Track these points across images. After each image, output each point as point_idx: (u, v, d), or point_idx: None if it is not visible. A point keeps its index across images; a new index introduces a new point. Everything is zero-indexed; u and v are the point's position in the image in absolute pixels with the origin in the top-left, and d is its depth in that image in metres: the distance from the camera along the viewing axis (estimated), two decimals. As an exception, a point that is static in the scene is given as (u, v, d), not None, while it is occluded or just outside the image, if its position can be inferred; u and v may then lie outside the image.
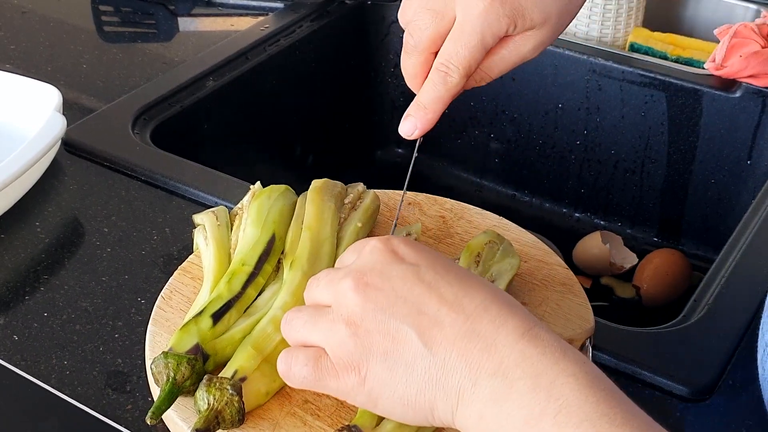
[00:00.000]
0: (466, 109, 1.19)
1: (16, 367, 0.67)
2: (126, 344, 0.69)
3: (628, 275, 1.07)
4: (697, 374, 0.67)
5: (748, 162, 1.04)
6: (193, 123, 1.00)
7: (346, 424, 0.56)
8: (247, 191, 0.75)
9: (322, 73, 1.17)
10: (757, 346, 0.61)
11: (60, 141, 0.84)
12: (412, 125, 0.64)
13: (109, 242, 0.79)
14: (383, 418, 0.57)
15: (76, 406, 0.64)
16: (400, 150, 1.27)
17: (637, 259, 1.08)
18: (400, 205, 0.73)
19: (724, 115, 1.03)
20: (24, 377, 0.66)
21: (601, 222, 1.16)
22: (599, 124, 1.11)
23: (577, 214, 1.17)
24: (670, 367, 0.67)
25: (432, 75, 0.63)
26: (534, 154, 1.17)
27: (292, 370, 0.54)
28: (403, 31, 0.65)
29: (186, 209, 0.83)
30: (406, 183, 0.69)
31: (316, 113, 1.18)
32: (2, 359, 0.67)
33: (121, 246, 0.79)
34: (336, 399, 0.61)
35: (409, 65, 0.64)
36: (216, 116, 1.03)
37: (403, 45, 0.64)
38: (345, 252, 0.58)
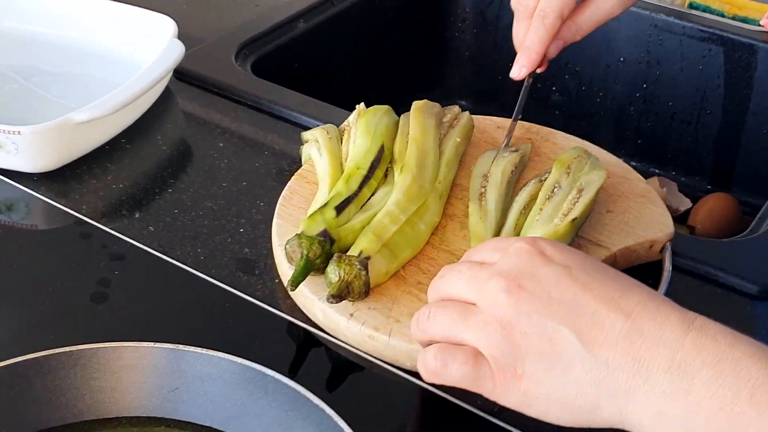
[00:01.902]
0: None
1: (155, 251, 0.75)
2: (250, 237, 0.78)
3: (682, 218, 1.15)
4: (765, 275, 0.74)
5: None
6: (286, 60, 1.08)
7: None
8: (344, 117, 0.83)
9: (397, 25, 1.25)
10: None
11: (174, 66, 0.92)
12: (519, 66, 0.79)
13: (224, 155, 0.88)
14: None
15: (213, 284, 0.72)
16: (462, 102, 1.35)
17: (691, 203, 1.15)
18: (512, 126, 0.82)
19: (778, 68, 1.11)
20: (163, 258, 0.75)
21: (656, 170, 1.23)
22: (658, 78, 1.19)
23: (633, 163, 1.24)
24: (741, 269, 0.75)
25: (533, 21, 0.77)
26: (594, 106, 1.25)
27: (450, 367, 0.53)
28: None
29: (290, 130, 0.91)
30: (515, 112, 0.82)
31: (389, 62, 1.26)
32: (142, 244, 0.76)
33: (236, 158, 0.87)
34: (446, 281, 0.70)
35: (519, 31, 0.78)
36: (304, 56, 1.11)
37: (515, 15, 0.78)
38: (481, 247, 0.58)
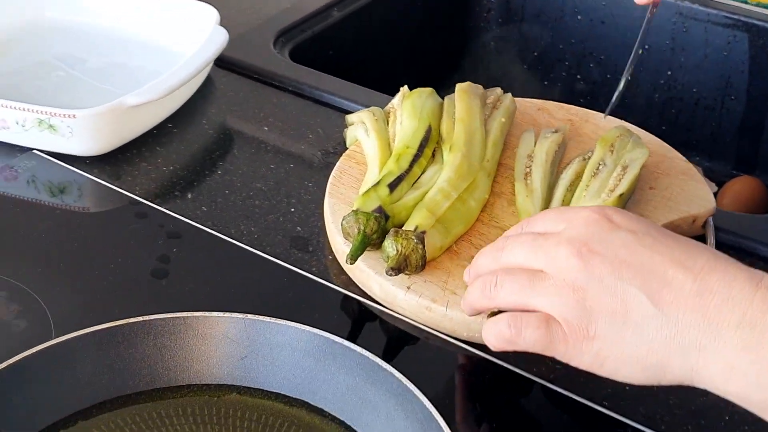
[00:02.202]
0: (554, 51, 1.29)
1: (211, 230, 0.77)
2: (302, 216, 0.80)
3: (707, 201, 1.17)
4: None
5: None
6: (321, 48, 1.10)
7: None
8: (383, 100, 0.85)
9: (425, 15, 1.28)
10: None
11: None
12: None
13: (270, 138, 0.90)
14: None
15: (269, 260, 0.74)
16: (487, 92, 1.37)
17: (716, 187, 1.17)
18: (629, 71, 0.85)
19: (802, 54, 1.13)
20: (219, 237, 0.77)
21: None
22: (683, 64, 1.21)
23: (657, 149, 1.27)
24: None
25: None
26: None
27: (524, 333, 0.54)
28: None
29: (332, 115, 0.93)
30: (633, 53, 0.84)
31: (417, 51, 1.29)
32: (197, 223, 0.78)
33: (281, 141, 0.89)
34: (498, 255, 0.72)
35: None
36: (338, 44, 1.13)
37: None
38: (542, 217, 0.59)
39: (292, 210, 0.80)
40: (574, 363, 0.54)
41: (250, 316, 0.63)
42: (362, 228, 0.70)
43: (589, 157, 0.78)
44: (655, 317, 0.51)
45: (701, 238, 0.76)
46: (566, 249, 0.54)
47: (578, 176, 0.77)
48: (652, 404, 0.63)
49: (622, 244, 0.53)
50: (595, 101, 1.29)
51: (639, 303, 0.51)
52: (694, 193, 0.78)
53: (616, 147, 0.78)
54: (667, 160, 0.81)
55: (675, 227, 0.75)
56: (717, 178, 1.22)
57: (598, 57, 1.27)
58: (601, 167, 0.76)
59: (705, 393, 0.64)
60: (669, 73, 1.22)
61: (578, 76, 1.29)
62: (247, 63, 0.99)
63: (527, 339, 0.54)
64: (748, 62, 1.16)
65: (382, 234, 0.71)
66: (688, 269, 0.51)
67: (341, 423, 0.61)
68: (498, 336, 0.56)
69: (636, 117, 1.26)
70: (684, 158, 0.82)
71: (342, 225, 0.72)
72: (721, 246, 0.76)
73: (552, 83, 1.30)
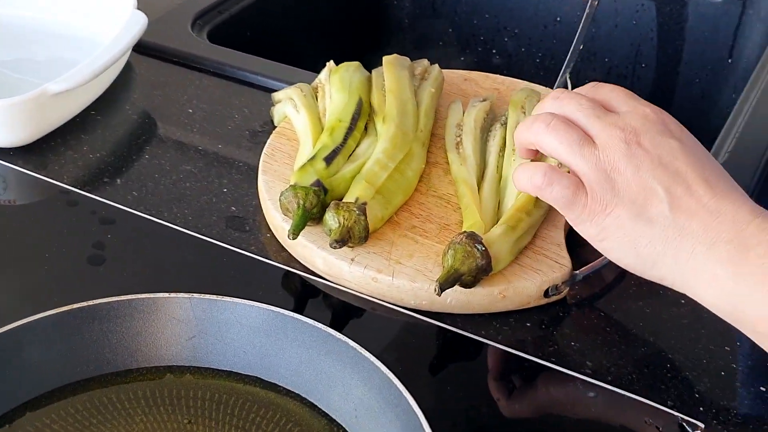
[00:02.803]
0: (469, 26, 1.31)
1: (144, 214, 0.76)
2: (235, 196, 0.79)
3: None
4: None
5: (729, 61, 1.17)
6: (240, 29, 1.09)
7: (463, 231, 0.67)
8: (307, 77, 0.85)
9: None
10: None
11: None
12: None
13: (196, 120, 0.88)
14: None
15: (206, 241, 0.74)
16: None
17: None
18: (572, 55, 0.86)
19: (707, 18, 1.16)
20: (153, 220, 0.75)
21: (595, 125, 1.28)
22: (594, 35, 1.23)
23: (573, 118, 1.29)
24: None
25: None
26: (534, 67, 1.29)
27: (554, 187, 0.60)
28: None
29: (256, 94, 0.93)
30: (573, 46, 0.86)
31: (335, 28, 1.28)
32: (129, 208, 0.76)
33: (207, 123, 0.88)
34: (438, 223, 0.72)
35: None
36: (256, 25, 1.12)
37: None
38: (613, 89, 0.62)
39: (225, 190, 0.80)
40: (579, 229, 0.60)
41: (195, 295, 0.62)
42: (302, 202, 0.70)
43: (505, 122, 0.79)
44: (666, 218, 0.57)
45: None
46: (621, 133, 0.59)
47: (505, 141, 0.78)
48: (598, 357, 0.65)
49: (667, 149, 0.58)
50: (511, 75, 1.30)
51: (659, 202, 0.57)
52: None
53: (526, 107, 0.80)
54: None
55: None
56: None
57: (512, 31, 1.28)
58: (521, 129, 0.78)
59: (646, 344, 0.66)
60: (581, 46, 1.25)
61: (494, 51, 1.31)
62: (166, 47, 0.98)
63: (554, 192, 0.60)
64: (657, 30, 1.20)
65: (322, 208, 0.71)
66: (711, 188, 0.57)
67: (297, 396, 0.60)
68: (531, 179, 0.61)
69: (551, 87, 1.29)
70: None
71: (280, 201, 0.71)
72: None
73: (468, 58, 1.32)
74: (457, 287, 0.65)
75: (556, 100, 0.62)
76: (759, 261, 0.54)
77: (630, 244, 0.58)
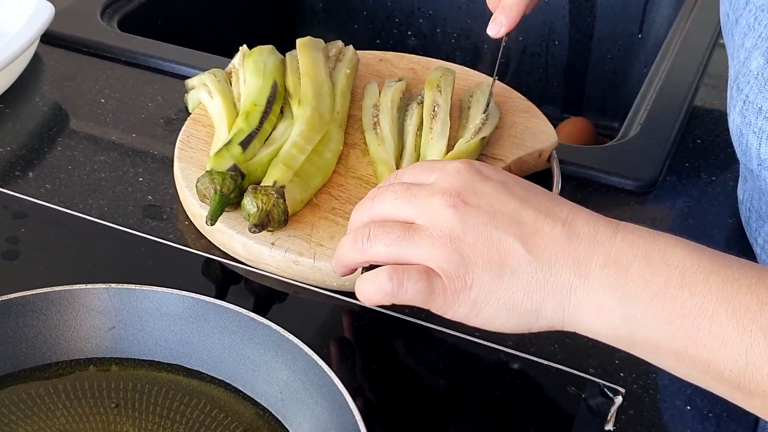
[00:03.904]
0: (384, 9, 1.30)
1: (58, 206, 0.74)
2: (151, 185, 0.78)
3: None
4: (640, 172, 0.81)
5: (639, 36, 1.20)
6: (150, 17, 1.07)
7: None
8: (220, 63, 0.84)
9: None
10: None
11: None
12: (497, 25, 0.77)
13: (109, 110, 0.87)
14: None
15: (123, 231, 0.72)
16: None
17: (549, 130, 1.22)
18: (493, 85, 0.81)
19: (617, -5, 1.18)
20: (68, 213, 0.74)
21: (512, 103, 1.30)
22: (507, 13, 1.24)
23: (490, 98, 1.30)
24: (619, 169, 0.81)
25: None
26: (450, 48, 1.29)
27: (406, 286, 0.53)
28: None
29: (170, 82, 0.91)
30: (496, 69, 0.81)
31: (248, 13, 1.27)
32: (43, 201, 0.75)
33: (120, 112, 0.87)
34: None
35: None
36: (167, 12, 1.10)
37: None
38: (412, 169, 0.59)
39: (140, 180, 0.78)
40: (449, 314, 0.54)
41: (113, 285, 0.61)
42: (219, 188, 0.69)
43: (422, 101, 0.80)
44: (530, 263, 0.52)
45: (548, 171, 0.79)
46: (440, 199, 0.54)
47: (422, 120, 0.78)
48: (521, 330, 0.65)
49: (495, 195, 0.54)
50: (428, 56, 1.31)
51: (514, 250, 0.52)
52: (537, 129, 0.80)
53: (442, 86, 0.80)
54: (509, 100, 0.84)
55: (523, 163, 0.78)
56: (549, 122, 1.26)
57: (426, 12, 1.29)
58: (437, 108, 0.78)
59: (568, 314, 0.67)
60: (495, 23, 1.26)
61: (409, 32, 1.31)
62: (75, 37, 0.96)
63: (409, 291, 0.54)
64: (569, 7, 1.21)
65: (240, 193, 0.70)
66: (557, 217, 0.53)
67: (221, 382, 0.60)
68: (379, 289, 0.54)
69: (466, 65, 1.30)
70: (523, 97, 0.85)
71: (197, 187, 0.70)
72: (565, 177, 0.79)
73: (384, 41, 1.32)
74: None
75: (364, 209, 0.58)
76: (641, 278, 0.50)
77: (507, 305, 0.53)
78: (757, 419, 0.60)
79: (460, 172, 0.56)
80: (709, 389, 0.51)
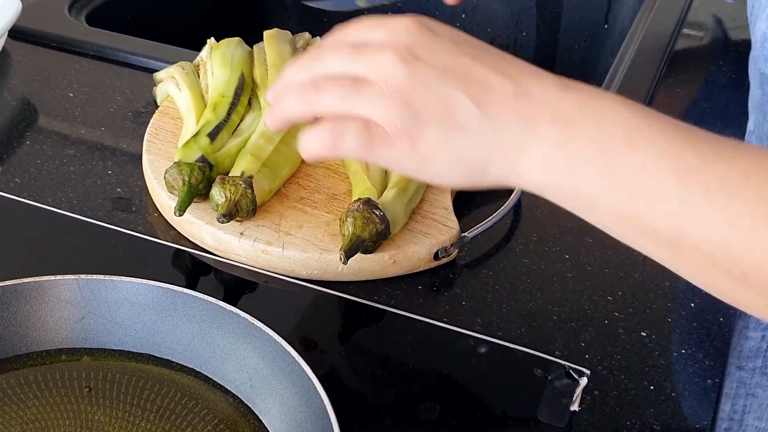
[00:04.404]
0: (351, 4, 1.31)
1: (27, 200, 0.74)
2: (120, 177, 0.78)
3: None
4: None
5: (605, 26, 1.21)
6: (117, 11, 1.07)
7: (359, 198, 0.68)
8: (188, 56, 0.85)
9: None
10: None
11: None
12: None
13: (77, 104, 0.87)
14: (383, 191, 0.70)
15: (93, 223, 0.73)
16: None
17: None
18: None
19: (583, -14, 1.19)
20: (37, 206, 0.74)
21: (481, 95, 1.30)
22: (476, 5, 1.25)
23: (460, 89, 1.31)
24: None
25: None
26: (417, 39, 1.30)
27: (344, 139, 0.53)
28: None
29: (138, 75, 0.92)
30: None
31: (216, 7, 1.27)
32: (12, 195, 0.75)
33: (89, 106, 0.87)
34: (326, 193, 0.73)
35: None
36: (134, 6, 1.11)
37: None
38: (356, 27, 0.56)
39: (110, 172, 0.78)
40: (399, 168, 0.54)
41: (82, 276, 0.61)
42: (187, 179, 0.69)
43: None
44: (479, 119, 0.52)
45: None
46: (391, 55, 0.52)
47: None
48: (488, 314, 0.66)
49: (445, 52, 0.53)
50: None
51: (463, 107, 0.52)
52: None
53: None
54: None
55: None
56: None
57: (395, 5, 1.29)
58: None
59: (534, 299, 0.68)
60: (463, 16, 1.27)
61: (377, 25, 1.31)
62: (43, 32, 0.96)
63: (349, 143, 0.53)
64: (535, -2, 1.22)
65: (208, 184, 0.70)
66: (508, 75, 0.52)
67: (191, 371, 0.60)
68: (319, 141, 0.54)
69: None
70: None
71: (165, 179, 0.71)
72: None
73: (353, 34, 1.32)
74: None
75: (303, 66, 0.56)
76: (588, 135, 0.50)
77: (456, 160, 0.53)
78: (717, 397, 0.62)
79: (409, 28, 0.54)
80: (639, 248, 0.52)
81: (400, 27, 0.54)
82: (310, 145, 0.55)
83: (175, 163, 0.70)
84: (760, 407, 0.82)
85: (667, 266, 0.52)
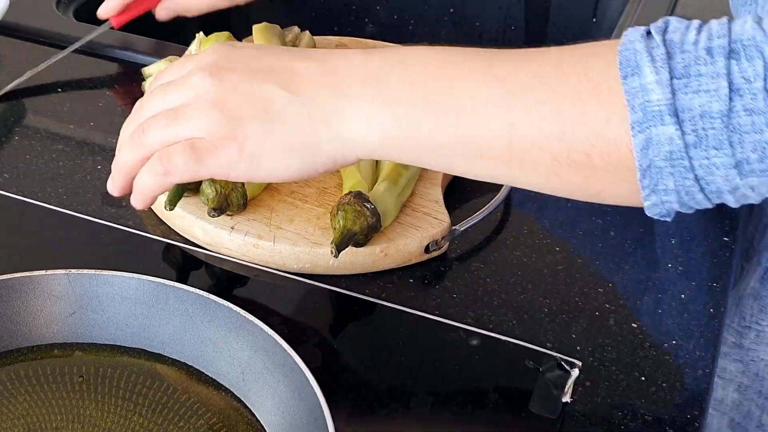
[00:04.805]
0: (340, -3, 1.31)
1: (17, 195, 0.74)
2: (109, 172, 0.76)
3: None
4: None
5: (594, 20, 1.21)
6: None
7: (350, 191, 0.68)
8: (177, 51, 0.85)
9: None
10: None
11: (-2, 17, 0.90)
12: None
13: (65, 100, 0.87)
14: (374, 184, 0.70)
15: (83, 218, 0.72)
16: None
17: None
18: None
19: (571, -21, 1.19)
20: (26, 201, 0.74)
21: (470, 89, 1.31)
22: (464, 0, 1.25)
23: (449, 83, 1.31)
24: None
25: None
26: (407, 34, 1.30)
27: (173, 161, 0.55)
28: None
29: (127, 70, 0.91)
30: None
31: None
32: (1, 191, 0.74)
33: (77, 102, 0.86)
34: (317, 187, 0.73)
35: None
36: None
37: None
38: (169, 67, 0.59)
39: (99, 167, 0.78)
40: (234, 174, 0.55)
41: (73, 270, 0.61)
42: (178, 173, 0.69)
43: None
44: (293, 102, 0.54)
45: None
46: (199, 74, 0.55)
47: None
48: (479, 307, 0.67)
49: (249, 57, 0.56)
50: (387, 41, 1.31)
51: (276, 95, 0.54)
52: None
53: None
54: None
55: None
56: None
57: (383, -1, 1.29)
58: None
59: (525, 291, 0.68)
60: (451, 10, 1.27)
61: (366, 19, 1.31)
62: (30, 27, 0.96)
63: (178, 165, 0.55)
64: (524, -9, 1.22)
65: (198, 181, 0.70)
66: (312, 59, 0.55)
67: (183, 365, 0.60)
68: (151, 172, 0.56)
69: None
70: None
71: (156, 173, 0.70)
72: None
73: (342, 28, 1.32)
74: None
75: (134, 118, 0.58)
76: (400, 81, 0.53)
77: (282, 149, 0.54)
78: (707, 387, 0.62)
79: (212, 49, 0.57)
80: (487, 175, 0.54)
81: (205, 53, 0.58)
82: (146, 181, 0.57)
83: (165, 157, 0.70)
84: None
85: (518, 184, 0.54)
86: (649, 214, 0.51)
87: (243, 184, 0.69)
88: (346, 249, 0.66)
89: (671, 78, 0.47)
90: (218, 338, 0.60)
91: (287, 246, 0.68)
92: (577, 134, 0.50)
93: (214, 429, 0.56)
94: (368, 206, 0.67)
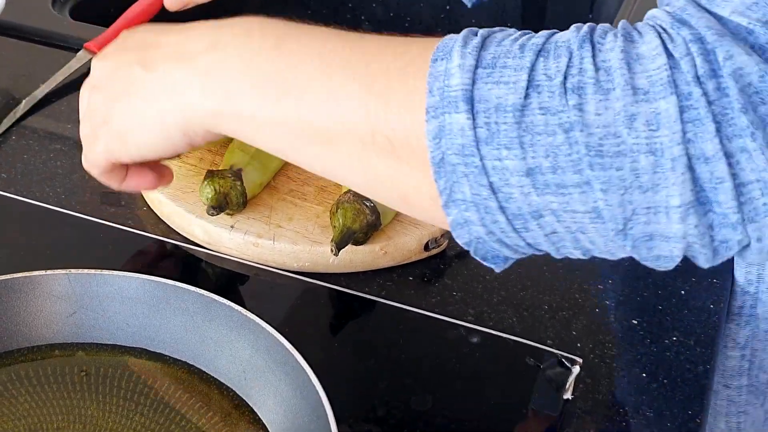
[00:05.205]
0: (335, -5, 1.31)
1: (15, 195, 0.74)
2: (109, 172, 0.77)
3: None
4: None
5: (590, 16, 1.21)
6: (103, 4, 1.07)
7: (348, 190, 0.68)
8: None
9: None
10: None
11: (-6, 17, 0.90)
12: None
13: (63, 99, 0.87)
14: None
15: (82, 218, 0.72)
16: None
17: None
18: None
19: (568, -24, 1.20)
20: (25, 201, 0.74)
21: (467, 86, 1.31)
22: (460, -3, 1.25)
23: (445, 81, 1.31)
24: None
25: None
26: (403, 31, 1.30)
27: (84, 159, 0.60)
28: None
29: (125, 70, 0.91)
30: None
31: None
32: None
33: (75, 101, 0.85)
34: (316, 185, 0.73)
35: None
36: (121, 2, 1.10)
37: None
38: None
39: (99, 167, 0.78)
40: (110, 154, 0.57)
41: (73, 270, 0.61)
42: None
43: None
44: (146, 78, 0.55)
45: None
46: (83, 97, 0.59)
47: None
48: (479, 304, 0.67)
49: (112, 65, 0.57)
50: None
51: (137, 74, 0.55)
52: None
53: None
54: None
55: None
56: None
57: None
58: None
59: (525, 288, 0.68)
60: (447, 7, 1.27)
61: (362, 17, 1.31)
62: (26, 26, 0.95)
63: (87, 160, 0.59)
64: (520, -11, 1.22)
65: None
66: (173, 32, 0.55)
67: (184, 364, 0.60)
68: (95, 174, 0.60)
69: (421, 52, 1.31)
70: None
71: (155, 172, 0.70)
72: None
73: (337, 27, 1.32)
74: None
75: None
76: (237, 52, 0.52)
77: (143, 125, 0.55)
78: (708, 383, 0.62)
79: (121, 38, 0.59)
80: (307, 160, 0.52)
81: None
82: (105, 182, 0.60)
83: (164, 156, 0.70)
84: (754, 424, 0.84)
85: (333, 176, 0.52)
86: (460, 243, 0.48)
87: (242, 183, 0.69)
88: (346, 247, 0.66)
89: (477, 67, 0.45)
90: (219, 337, 0.59)
91: (287, 244, 0.68)
92: (380, 115, 0.47)
93: (216, 428, 0.56)
94: (368, 204, 0.67)
